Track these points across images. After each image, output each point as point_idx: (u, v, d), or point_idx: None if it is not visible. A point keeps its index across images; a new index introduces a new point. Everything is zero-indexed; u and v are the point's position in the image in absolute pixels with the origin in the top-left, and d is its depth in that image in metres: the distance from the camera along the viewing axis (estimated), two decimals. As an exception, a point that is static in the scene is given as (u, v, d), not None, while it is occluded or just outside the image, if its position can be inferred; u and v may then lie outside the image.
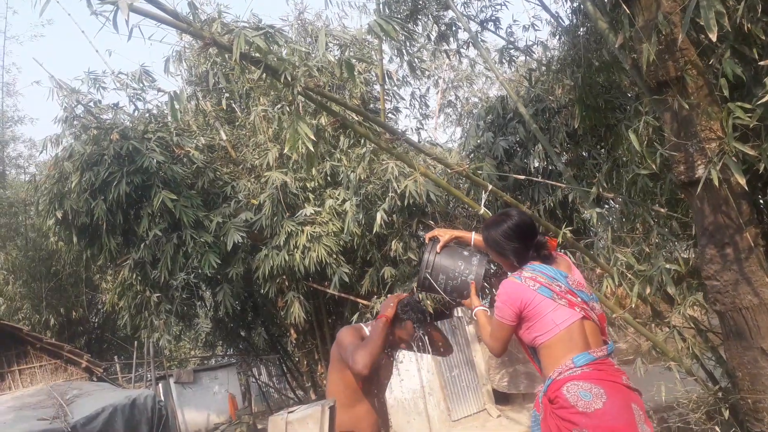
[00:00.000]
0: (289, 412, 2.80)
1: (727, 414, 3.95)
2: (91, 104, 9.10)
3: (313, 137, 2.83)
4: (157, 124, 9.24)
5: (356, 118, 4.39)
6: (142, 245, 8.82)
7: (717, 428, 4.18)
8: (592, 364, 2.46)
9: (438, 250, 2.99)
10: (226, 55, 2.82)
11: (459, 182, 8.26)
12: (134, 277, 9.31)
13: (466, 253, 3.03)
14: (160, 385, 13.13)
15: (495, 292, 2.81)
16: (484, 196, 3.68)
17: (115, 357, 14.72)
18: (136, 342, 11.69)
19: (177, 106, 3.03)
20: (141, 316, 9.43)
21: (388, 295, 3.53)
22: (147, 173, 8.48)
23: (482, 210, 3.61)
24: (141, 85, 8.86)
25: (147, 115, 9.46)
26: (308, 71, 2.96)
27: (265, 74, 2.81)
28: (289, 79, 2.77)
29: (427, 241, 3.09)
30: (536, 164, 8.16)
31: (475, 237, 3.01)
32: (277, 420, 2.72)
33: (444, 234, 3.06)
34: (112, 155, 8.39)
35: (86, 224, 8.82)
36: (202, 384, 14.25)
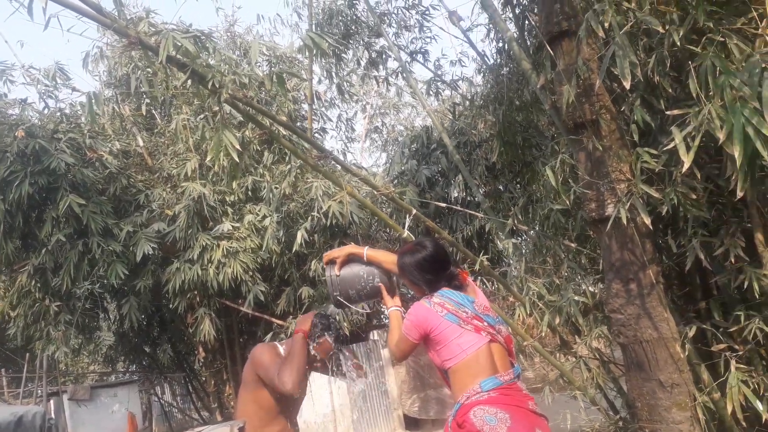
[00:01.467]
0: (199, 433, 2.66)
1: (626, 442, 4.13)
2: (-5, 97, 8.52)
3: (238, 147, 2.76)
4: (69, 125, 8.76)
5: (284, 133, 4.33)
6: (43, 250, 8.28)
7: (617, 457, 4.35)
8: (498, 388, 2.50)
9: (337, 271, 3.01)
10: (151, 58, 2.71)
11: (382, 206, 8.34)
12: (33, 284, 8.70)
13: (363, 264, 3.07)
14: (51, 401, 12.20)
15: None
16: (407, 220, 3.72)
17: (2, 370, 13.60)
18: (27, 354, 10.84)
19: (95, 108, 2.86)
20: (37, 326, 8.81)
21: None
22: (54, 175, 7.99)
23: (405, 233, 3.64)
24: (54, 82, 8.41)
25: (58, 114, 8.95)
26: (236, 80, 2.89)
27: (191, 80, 2.72)
28: (217, 86, 2.70)
29: (325, 266, 3.10)
30: (455, 194, 8.39)
31: (367, 252, 3.03)
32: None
33: (338, 253, 3.07)
34: (15, 153, 7.86)
35: (-20, 224, 8.17)
36: (100, 402, 13.34)
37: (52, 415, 11.33)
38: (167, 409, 15.94)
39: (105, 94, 9.67)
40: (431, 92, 7.23)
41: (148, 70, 8.69)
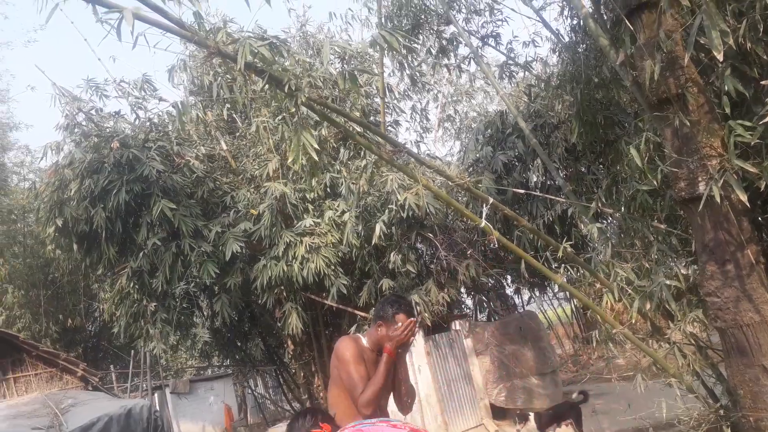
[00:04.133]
0: (288, 424, 2.75)
1: (728, 432, 3.93)
2: (93, 112, 9.15)
3: (316, 146, 2.84)
4: (158, 133, 9.27)
5: (358, 130, 4.40)
6: (140, 254, 8.81)
7: (718, 446, 4.15)
8: None
9: None
10: (230, 65, 2.83)
11: (458, 196, 8.28)
12: (132, 285, 9.28)
13: None
14: (156, 395, 13.02)
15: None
16: (485, 210, 3.68)
17: (111, 366, 14.63)
18: (132, 351, 11.62)
19: (183, 116, 3.03)
20: (137, 324, 9.38)
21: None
22: (146, 182, 8.49)
23: (483, 223, 3.60)
24: (142, 93, 8.91)
25: (148, 123, 9.48)
26: (311, 82, 2.96)
27: (268, 84, 2.82)
28: (293, 89, 2.79)
29: None
30: (535, 179, 8.19)
31: None
32: (276, 432, 2.68)
33: None
34: (112, 163, 8.41)
35: (85, 232, 8.83)
36: (198, 394, 14.14)
37: (157, 408, 12.10)
38: (260, 401, 16.58)
39: (189, 102, 10.13)
40: (504, 75, 7.09)
41: (228, 76, 9.03)
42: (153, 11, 2.74)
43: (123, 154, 8.41)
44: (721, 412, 4.04)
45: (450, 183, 4.44)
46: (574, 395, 7.67)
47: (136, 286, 9.31)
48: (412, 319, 3.00)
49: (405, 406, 3.20)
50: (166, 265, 8.71)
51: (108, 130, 9.07)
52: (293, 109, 2.87)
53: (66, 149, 9.03)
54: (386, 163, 4.73)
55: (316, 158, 2.87)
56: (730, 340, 3.51)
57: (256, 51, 2.67)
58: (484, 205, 3.68)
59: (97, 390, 10.86)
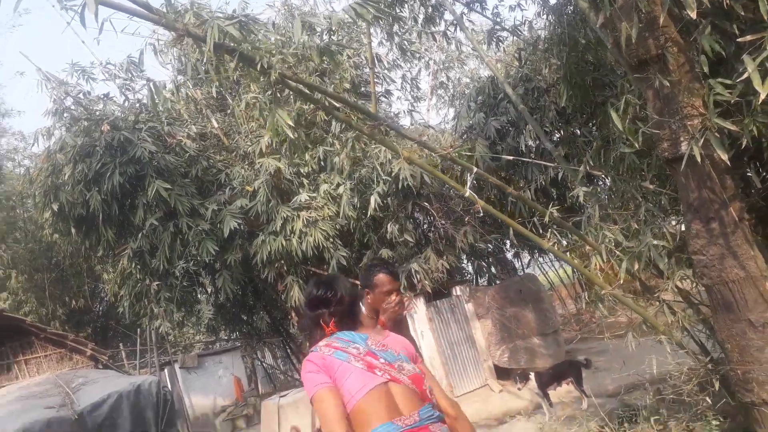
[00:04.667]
0: (281, 396, 2.83)
1: (717, 385, 4.00)
2: (81, 96, 9.09)
3: (291, 123, 2.83)
4: (148, 114, 9.22)
5: (337, 106, 4.37)
6: (139, 235, 8.87)
7: (708, 399, 4.23)
8: None
9: None
10: (203, 47, 2.82)
11: (453, 165, 8.25)
12: (133, 266, 9.37)
13: None
14: (165, 370, 13.26)
15: None
16: (470, 179, 3.68)
17: (120, 344, 14.86)
18: (139, 329, 11.80)
19: (156, 99, 3.02)
20: (141, 303, 9.51)
21: None
22: (140, 163, 8.49)
23: (467, 192, 3.61)
24: (129, 75, 8.83)
25: (137, 105, 9.44)
26: (284, 58, 2.94)
27: (240, 64, 2.80)
28: (265, 67, 2.77)
29: None
30: (528, 143, 8.15)
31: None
32: (269, 404, 2.76)
33: None
34: (103, 146, 8.40)
35: (82, 215, 8.87)
36: (207, 368, 14.40)
37: (167, 383, 12.33)
38: (270, 372, 16.88)
39: (178, 81, 10.05)
40: (492, 41, 6.98)
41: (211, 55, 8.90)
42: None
43: (114, 137, 8.39)
44: (711, 366, 4.11)
45: (433, 154, 4.42)
46: (581, 358, 7.76)
47: (138, 266, 9.40)
48: (403, 295, 3.04)
49: None
50: (165, 245, 8.77)
51: (97, 113, 9.03)
52: (268, 87, 2.85)
53: (57, 134, 9.02)
54: (368, 137, 4.72)
55: (292, 136, 2.86)
56: (717, 297, 3.55)
57: (225, 31, 2.64)
58: (469, 175, 3.68)
59: (107, 368, 11.05)
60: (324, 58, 3.16)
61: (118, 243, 9.29)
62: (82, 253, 11.27)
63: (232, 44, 2.76)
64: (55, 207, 8.84)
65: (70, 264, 13.97)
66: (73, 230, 9.28)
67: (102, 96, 9.27)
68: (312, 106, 4.34)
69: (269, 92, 3.06)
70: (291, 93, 3.73)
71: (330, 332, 2.36)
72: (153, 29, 9.16)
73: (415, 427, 2.18)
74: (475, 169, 3.68)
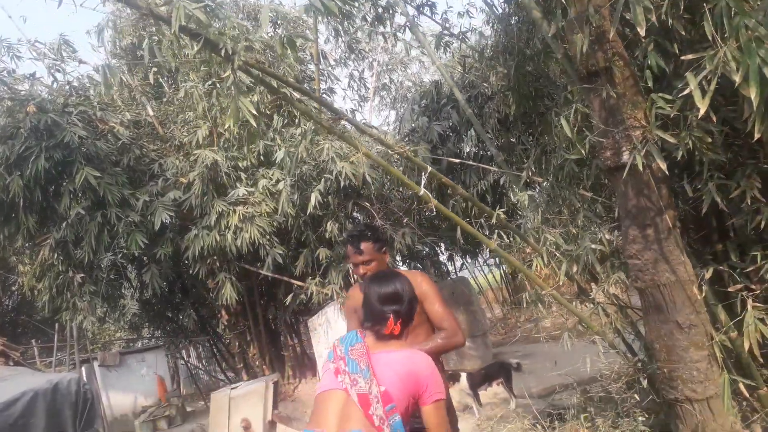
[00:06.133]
0: (232, 388, 2.78)
1: (645, 383, 4.24)
2: (5, 73, 8.53)
3: (255, 112, 2.79)
4: (79, 98, 8.78)
5: (297, 96, 4.34)
6: (63, 224, 8.42)
7: (636, 396, 4.47)
8: None
9: None
10: (164, 29, 2.72)
11: (397, 166, 8.34)
12: (56, 257, 8.87)
13: None
14: (83, 368, 12.63)
15: None
16: (423, 178, 3.75)
17: (33, 341, 14.02)
18: (57, 324, 11.17)
19: (112, 82, 2.89)
20: (63, 297, 9.01)
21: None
22: (68, 148, 8.06)
23: (422, 191, 3.67)
24: (60, 55, 8.38)
25: (67, 87, 8.96)
26: (249, 45, 2.89)
27: (204, 48, 2.74)
28: (229, 53, 2.71)
29: None
30: (468, 149, 8.36)
31: None
32: (219, 396, 2.70)
33: None
34: (28, 128, 7.93)
35: (1, 201, 8.30)
36: (129, 367, 13.83)
37: (86, 381, 11.73)
38: (194, 372, 16.42)
39: (112, 64, 9.61)
40: (440, 45, 7.11)
41: (155, 38, 8.62)
42: (77, -33, 2.58)
43: (40, 119, 7.92)
44: (639, 365, 4.35)
45: (389, 152, 4.47)
46: (513, 361, 7.99)
47: (60, 258, 8.90)
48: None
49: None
50: (92, 235, 8.35)
51: (23, 93, 8.51)
52: (229, 74, 2.80)
53: (-24, 113, 8.42)
54: (326, 131, 4.71)
55: (255, 124, 2.82)
56: (649, 299, 3.76)
57: (191, 14, 2.58)
58: (423, 175, 3.75)
59: (19, 365, 10.38)
60: (285, 47, 3.14)
61: (39, 232, 8.76)
62: (-1, 243, 10.57)
63: (197, 28, 2.69)
64: (-30, 191, 8.25)
65: (-22, 254, 13.05)
66: (-11, 216, 8.69)
67: (28, 76, 8.74)
68: (268, 97, 4.28)
69: (226, 79, 3.00)
70: (242, 82, 3.67)
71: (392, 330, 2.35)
72: (104, 4, 8.75)
73: None
74: (429, 169, 3.75)
